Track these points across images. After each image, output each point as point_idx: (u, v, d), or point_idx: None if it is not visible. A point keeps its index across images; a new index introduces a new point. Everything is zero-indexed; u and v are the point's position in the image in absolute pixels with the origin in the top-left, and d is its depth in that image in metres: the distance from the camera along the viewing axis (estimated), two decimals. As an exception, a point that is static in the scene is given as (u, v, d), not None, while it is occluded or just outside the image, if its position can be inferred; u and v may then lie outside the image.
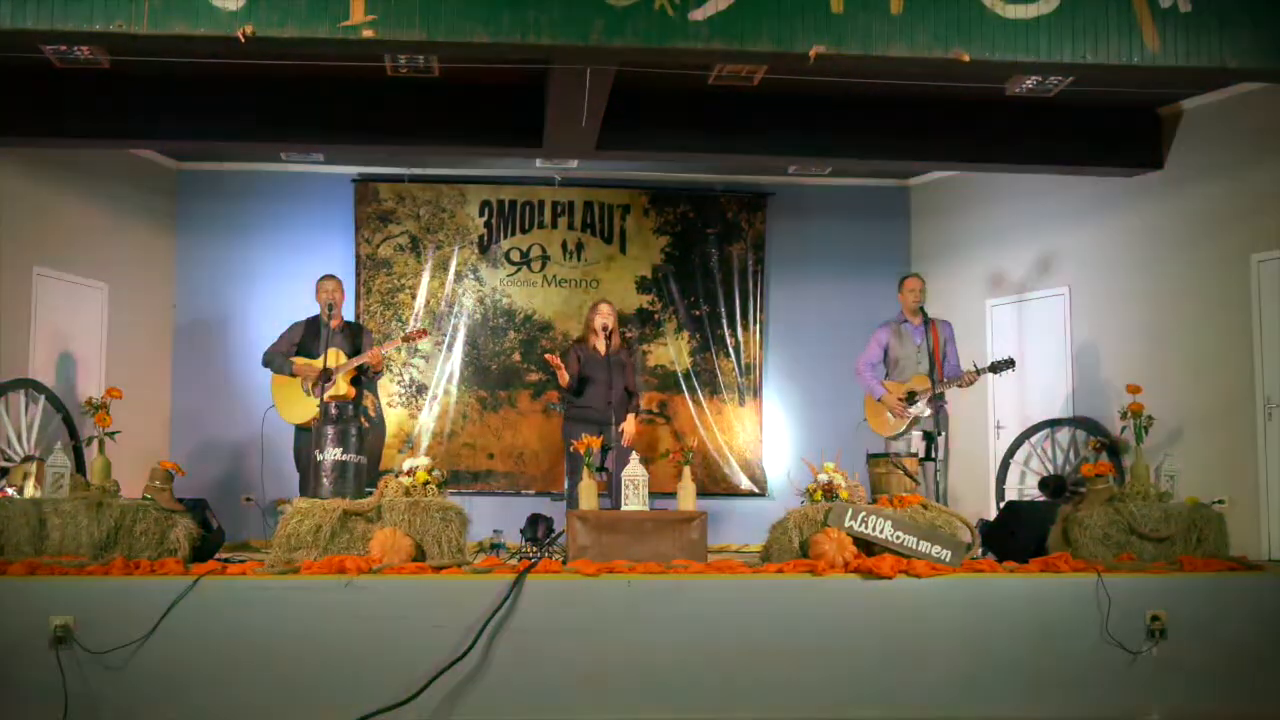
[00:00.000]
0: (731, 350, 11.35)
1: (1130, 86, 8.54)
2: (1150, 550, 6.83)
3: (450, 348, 11.12)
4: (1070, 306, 10.08)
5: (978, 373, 8.38)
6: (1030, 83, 8.40)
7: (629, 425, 8.60)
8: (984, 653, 6.07)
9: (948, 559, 6.45)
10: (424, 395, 11.06)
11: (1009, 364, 8.40)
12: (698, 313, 11.38)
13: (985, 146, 9.44)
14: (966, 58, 6.80)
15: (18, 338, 9.22)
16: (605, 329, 8.56)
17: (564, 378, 8.42)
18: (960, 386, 8.51)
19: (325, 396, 7.74)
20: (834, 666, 5.97)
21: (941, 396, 8.53)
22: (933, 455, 8.06)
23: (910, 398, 8.42)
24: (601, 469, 7.50)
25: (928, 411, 8.37)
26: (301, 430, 8.45)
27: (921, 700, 6.00)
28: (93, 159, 10.05)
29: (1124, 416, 7.99)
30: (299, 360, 8.50)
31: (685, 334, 11.37)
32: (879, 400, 8.67)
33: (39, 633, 5.65)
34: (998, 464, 10.15)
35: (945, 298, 10.76)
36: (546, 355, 8.76)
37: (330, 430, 6.88)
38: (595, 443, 7.48)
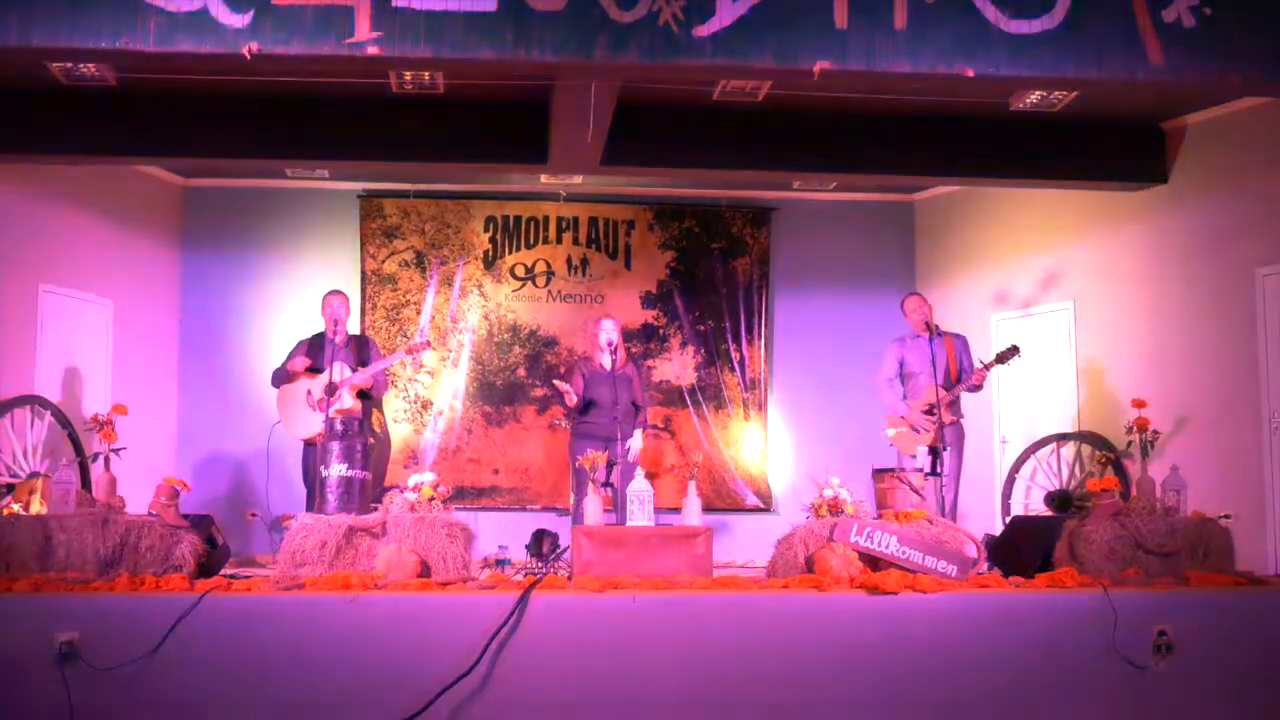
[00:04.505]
0: (736, 365, 11.36)
1: (1134, 101, 8.58)
2: (1156, 565, 6.80)
3: (455, 363, 11.13)
4: (1075, 321, 10.08)
5: (985, 367, 8.44)
6: (1034, 98, 8.41)
7: (636, 441, 8.59)
8: (990, 668, 6.05)
9: (953, 574, 6.45)
10: (429, 411, 11.07)
11: (1014, 351, 8.45)
12: (702, 328, 11.39)
13: (990, 161, 9.44)
14: (971, 73, 6.81)
15: (23, 354, 9.23)
16: (610, 344, 8.55)
17: (571, 400, 8.43)
18: (973, 388, 8.57)
19: (331, 412, 7.75)
20: (839, 682, 5.96)
21: (958, 407, 8.58)
22: (938, 470, 8.05)
23: (931, 411, 8.44)
24: (607, 484, 7.49)
25: (952, 418, 8.41)
26: (309, 446, 8.46)
27: (927, 716, 5.98)
28: (98, 176, 10.08)
29: (1129, 431, 7.99)
30: (294, 363, 8.54)
31: (690, 349, 11.37)
32: (901, 416, 8.71)
33: (44, 649, 5.65)
34: (1003, 479, 10.14)
35: (950, 312, 10.76)
36: (555, 382, 8.77)
37: (336, 446, 6.87)
38: (601, 458, 7.48)
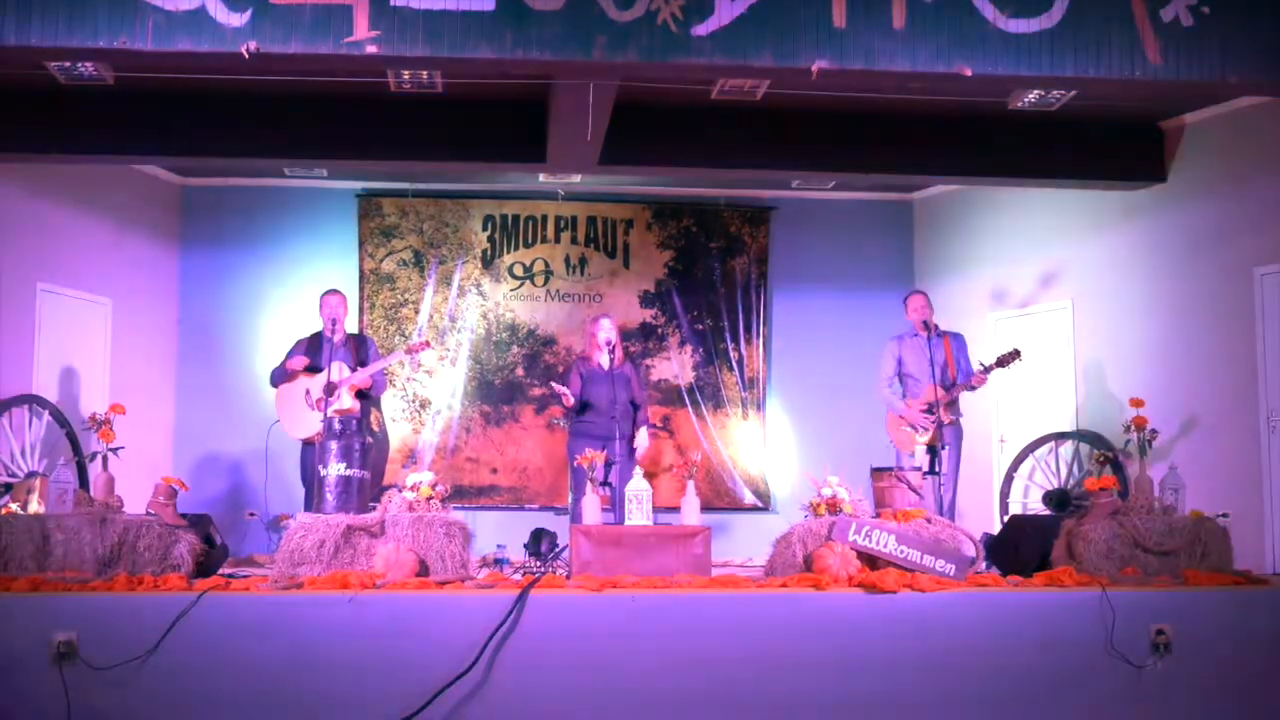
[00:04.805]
0: (735, 364, 11.36)
1: (1132, 100, 8.57)
2: (1154, 564, 6.82)
3: (454, 362, 11.13)
4: (1074, 320, 10.08)
5: (985, 370, 8.44)
6: (1033, 97, 8.40)
7: (643, 438, 8.57)
8: (988, 667, 6.06)
9: (951, 573, 6.45)
10: (428, 410, 11.06)
11: (1015, 355, 8.45)
12: (701, 327, 11.39)
13: (988, 160, 9.44)
14: (969, 73, 6.81)
15: (21, 353, 9.23)
16: (609, 344, 8.56)
17: (568, 401, 8.43)
18: (972, 389, 8.57)
19: (330, 411, 7.75)
20: (838, 681, 5.96)
21: (956, 407, 8.59)
22: (936, 469, 8.06)
23: (930, 410, 8.45)
24: (605, 483, 7.49)
25: (950, 418, 8.42)
26: (308, 446, 8.46)
27: (925, 715, 5.99)
28: (97, 175, 10.08)
29: (1127, 430, 7.99)
30: (292, 362, 8.54)
31: (688, 348, 11.37)
32: (900, 415, 8.72)
33: (42, 649, 5.65)
34: (1001, 478, 10.14)
35: (949, 311, 10.74)
36: (551, 384, 8.77)
37: (334, 445, 6.88)
38: (599, 457, 7.48)
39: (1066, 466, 9.79)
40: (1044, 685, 6.09)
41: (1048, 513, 8.95)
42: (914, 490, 7.33)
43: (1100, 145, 9.36)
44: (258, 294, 11.02)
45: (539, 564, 7.51)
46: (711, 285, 11.42)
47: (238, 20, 6.43)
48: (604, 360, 8.56)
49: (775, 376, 11.47)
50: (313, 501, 7.50)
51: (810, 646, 6.00)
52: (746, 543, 9.53)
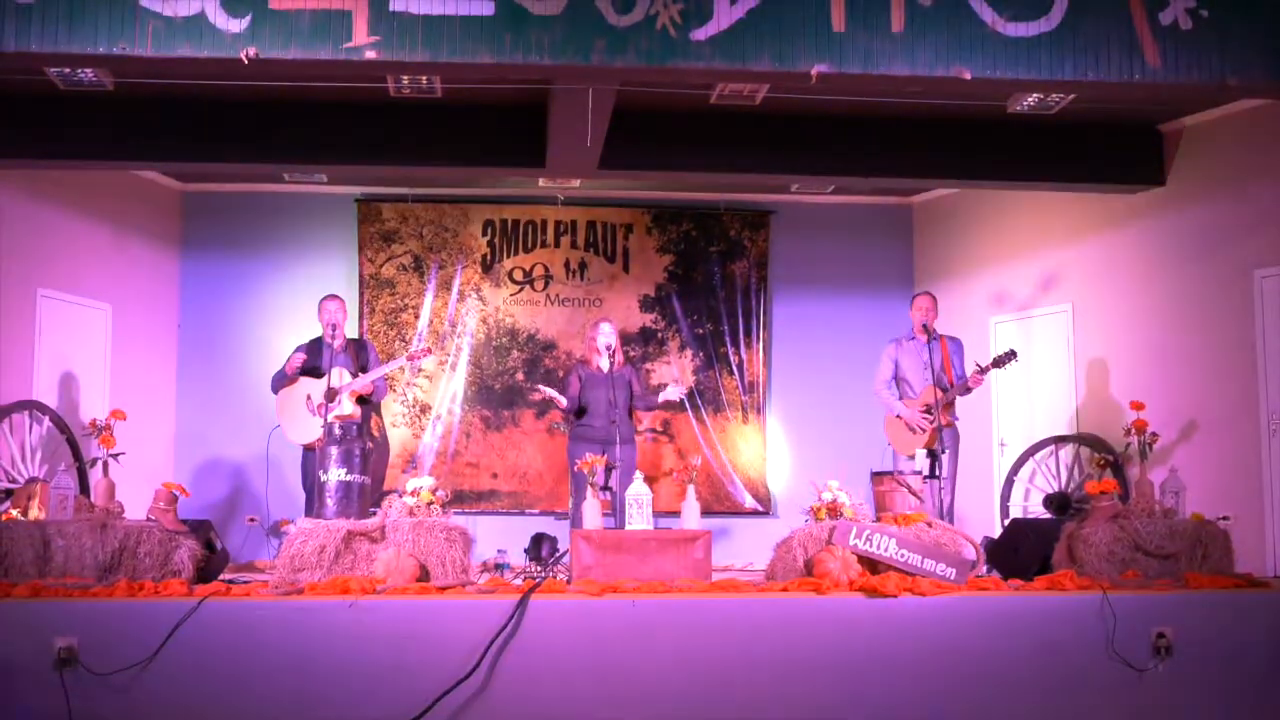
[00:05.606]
0: (735, 368, 11.35)
1: (1131, 103, 8.57)
2: (1155, 567, 6.82)
3: (454, 367, 11.13)
4: (1074, 323, 10.08)
5: (981, 371, 8.42)
6: (1032, 100, 8.41)
7: (671, 391, 8.57)
8: (989, 671, 6.05)
9: (952, 577, 6.45)
10: (428, 415, 11.06)
11: (1010, 356, 8.43)
12: (701, 331, 11.38)
13: (987, 164, 9.44)
14: (968, 76, 6.82)
15: (22, 359, 9.23)
16: (609, 348, 8.57)
17: (560, 403, 8.45)
18: (968, 390, 8.55)
19: (330, 417, 7.75)
20: (838, 685, 5.96)
21: (952, 410, 8.59)
22: (936, 473, 8.06)
23: (929, 411, 8.45)
24: (605, 488, 7.50)
25: (948, 419, 8.42)
26: (308, 451, 8.45)
27: (926, 718, 5.98)
28: (96, 181, 10.08)
29: (1128, 433, 7.99)
30: (290, 361, 8.53)
31: (688, 352, 11.36)
32: (898, 416, 8.71)
33: (43, 655, 5.65)
34: (1002, 481, 10.14)
35: (949, 314, 10.74)
36: (540, 387, 8.80)
37: (334, 451, 6.88)
38: (600, 462, 7.49)
39: (1067, 470, 9.79)
40: (1045, 689, 6.08)
41: (1048, 516, 8.95)
42: (914, 494, 7.33)
43: (1099, 148, 9.36)
44: (258, 299, 11.02)
45: (539, 569, 7.52)
46: (711, 289, 11.42)
47: (237, 26, 6.44)
48: (603, 364, 8.57)
49: (775, 380, 11.47)
50: (313, 507, 7.50)
51: (811, 651, 6.00)
52: (747, 547, 9.55)
